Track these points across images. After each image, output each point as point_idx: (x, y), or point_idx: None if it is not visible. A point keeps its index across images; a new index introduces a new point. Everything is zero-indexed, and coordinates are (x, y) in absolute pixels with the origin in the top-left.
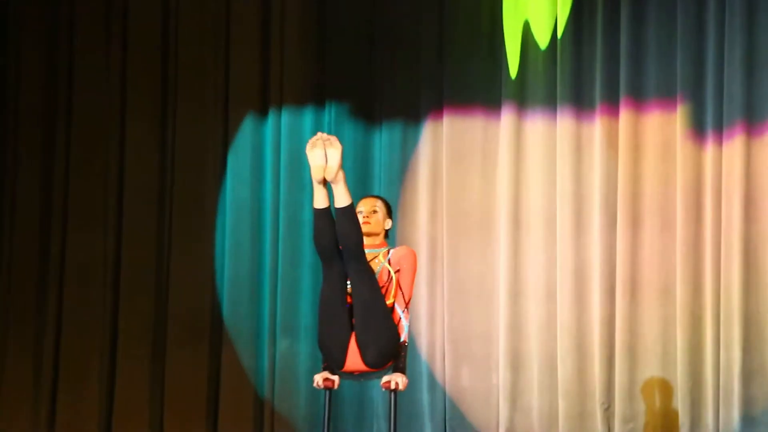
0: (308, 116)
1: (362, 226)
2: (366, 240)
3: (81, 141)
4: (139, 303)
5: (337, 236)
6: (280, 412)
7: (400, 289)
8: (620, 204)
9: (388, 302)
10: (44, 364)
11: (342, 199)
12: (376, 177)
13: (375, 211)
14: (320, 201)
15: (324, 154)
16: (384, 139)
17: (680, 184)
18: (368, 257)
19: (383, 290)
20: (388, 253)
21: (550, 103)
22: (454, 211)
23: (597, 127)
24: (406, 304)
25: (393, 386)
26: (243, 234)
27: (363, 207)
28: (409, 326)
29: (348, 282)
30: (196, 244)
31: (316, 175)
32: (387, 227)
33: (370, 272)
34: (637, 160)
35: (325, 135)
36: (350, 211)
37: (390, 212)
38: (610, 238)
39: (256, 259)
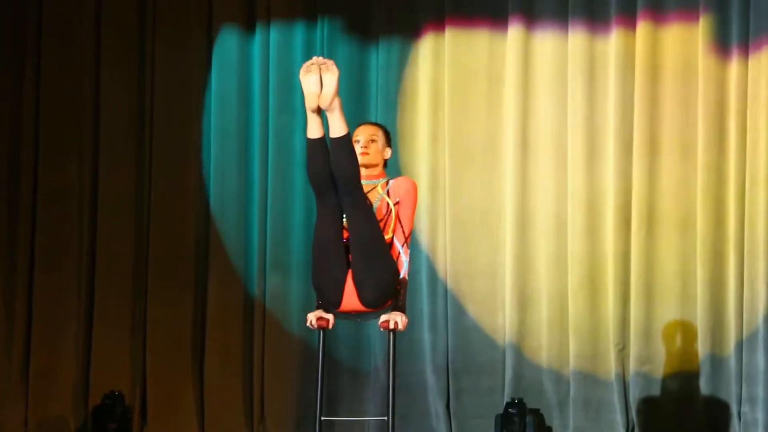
0: (299, 32)
1: (360, 156)
2: (363, 171)
3: (55, 67)
4: (119, 232)
5: (332, 168)
6: (271, 351)
7: (400, 222)
8: (636, 128)
9: (387, 237)
10: (17, 302)
11: (338, 129)
12: (372, 100)
13: (373, 140)
14: (314, 130)
15: (319, 80)
16: (381, 57)
17: (701, 105)
18: (366, 189)
19: (381, 224)
20: (387, 184)
21: (560, 16)
22: (457, 137)
23: (612, 43)
24: (406, 239)
25: (392, 326)
26: (229, 163)
27: (360, 136)
28: (409, 262)
29: (344, 216)
30: (180, 172)
31: (310, 102)
32: (386, 157)
33: (368, 205)
34: (654, 80)
35: (321, 59)
36: (346, 140)
37: (389, 141)
38: (625, 166)
39: (244, 190)
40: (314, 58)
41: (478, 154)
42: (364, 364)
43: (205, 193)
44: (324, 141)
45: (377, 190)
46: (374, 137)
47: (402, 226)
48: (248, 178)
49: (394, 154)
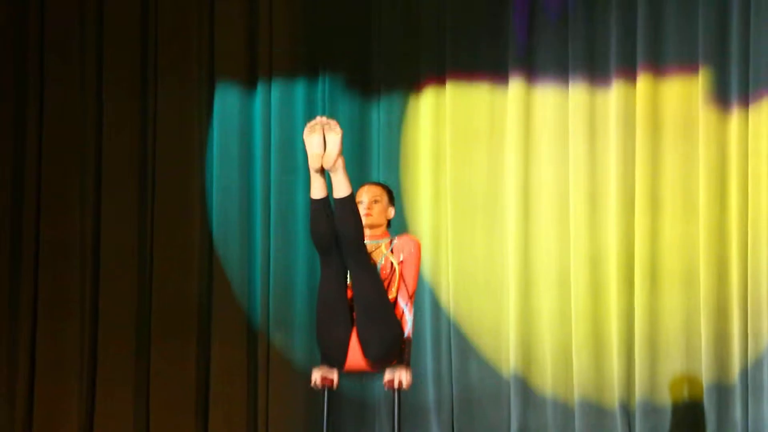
0: (300, 89)
1: (363, 218)
2: (367, 231)
3: (56, 124)
4: (121, 287)
5: (336, 228)
6: (276, 405)
7: (404, 281)
8: (638, 184)
9: (391, 296)
10: (20, 359)
11: (341, 189)
12: (375, 158)
13: (377, 201)
14: (317, 190)
15: (323, 141)
16: (382, 114)
17: (703, 162)
18: (370, 249)
19: (386, 283)
20: (391, 243)
21: (561, 70)
22: (459, 194)
23: (612, 96)
24: (410, 297)
25: (396, 384)
26: (231, 220)
27: (364, 197)
28: (413, 320)
29: (348, 276)
30: (183, 227)
31: (313, 163)
32: (390, 217)
33: (372, 265)
34: (656, 137)
35: (324, 119)
36: (350, 201)
37: (392, 200)
38: (627, 222)
39: (246, 249)
40: (318, 118)
41: (480, 210)
42: (369, 423)
43: (208, 250)
44: (328, 201)
45: (381, 250)
46: (377, 198)
47: (406, 285)
48: (251, 236)
49: (398, 211)
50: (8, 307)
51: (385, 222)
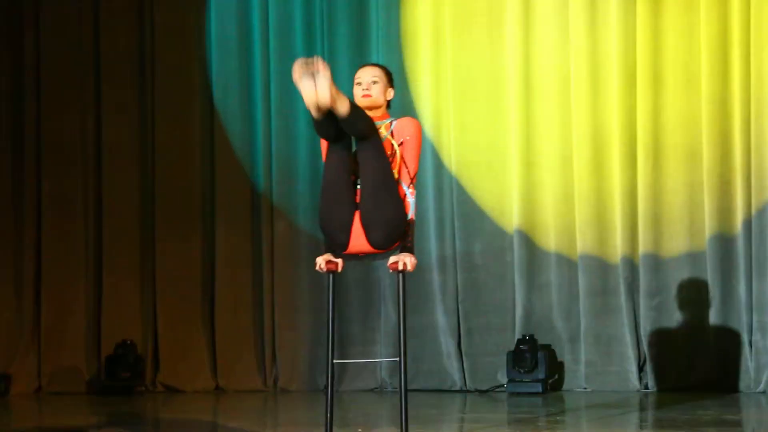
0: None
1: (362, 99)
2: (367, 113)
3: (55, 19)
4: (124, 178)
5: (346, 130)
6: (281, 294)
7: (405, 163)
8: (640, 59)
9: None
10: (26, 254)
11: (342, 109)
12: (374, 41)
13: (375, 82)
14: (319, 115)
15: (314, 83)
16: None
17: (704, 34)
18: None
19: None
20: (391, 125)
21: None
22: (460, 76)
23: None
24: (412, 180)
25: (401, 267)
26: (232, 108)
27: (361, 77)
28: (416, 202)
29: (353, 157)
30: (184, 118)
31: (311, 108)
32: (389, 98)
33: (381, 144)
34: (657, 8)
35: (309, 60)
36: (354, 112)
37: (391, 81)
38: (629, 99)
39: (248, 136)
40: (301, 61)
41: (481, 92)
42: (374, 306)
43: (210, 139)
44: (329, 113)
45: (381, 132)
46: (376, 79)
47: (407, 167)
48: (252, 123)
49: (399, 95)
50: (12, 206)
51: (384, 103)
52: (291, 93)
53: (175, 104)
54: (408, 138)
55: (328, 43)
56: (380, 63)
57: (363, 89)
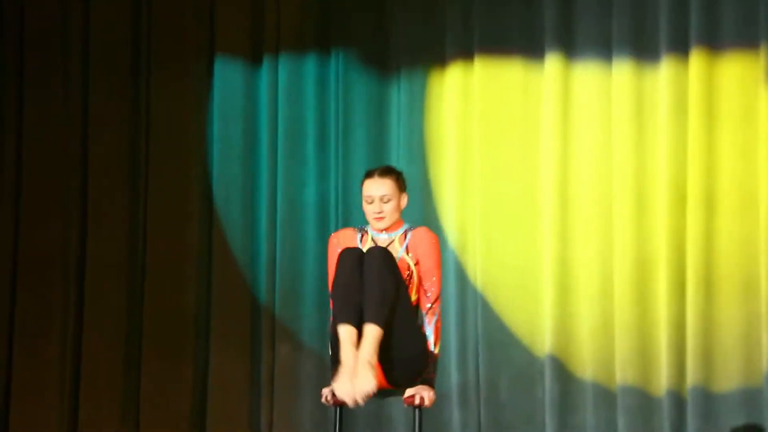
0: (310, 66)
1: (375, 222)
2: (380, 226)
3: (40, 112)
4: (109, 298)
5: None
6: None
7: (423, 287)
8: (691, 178)
9: (413, 295)
10: None
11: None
12: (394, 143)
13: (388, 200)
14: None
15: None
16: (402, 95)
17: (763, 152)
18: (383, 243)
19: (405, 279)
20: (405, 237)
21: (604, 47)
22: (489, 187)
23: (662, 77)
24: (432, 304)
25: (418, 402)
26: (234, 216)
27: (372, 194)
28: (438, 331)
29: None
30: (179, 229)
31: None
32: (402, 207)
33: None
34: (711, 124)
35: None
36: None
37: (404, 186)
38: (678, 221)
39: (250, 250)
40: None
41: (512, 206)
42: (389, 413)
43: (207, 248)
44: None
45: (395, 246)
46: (388, 197)
47: (425, 292)
48: (255, 236)
49: (421, 205)
50: None
51: (398, 216)
52: (298, 202)
53: (170, 210)
54: (424, 258)
55: (342, 149)
56: (391, 168)
57: (375, 212)
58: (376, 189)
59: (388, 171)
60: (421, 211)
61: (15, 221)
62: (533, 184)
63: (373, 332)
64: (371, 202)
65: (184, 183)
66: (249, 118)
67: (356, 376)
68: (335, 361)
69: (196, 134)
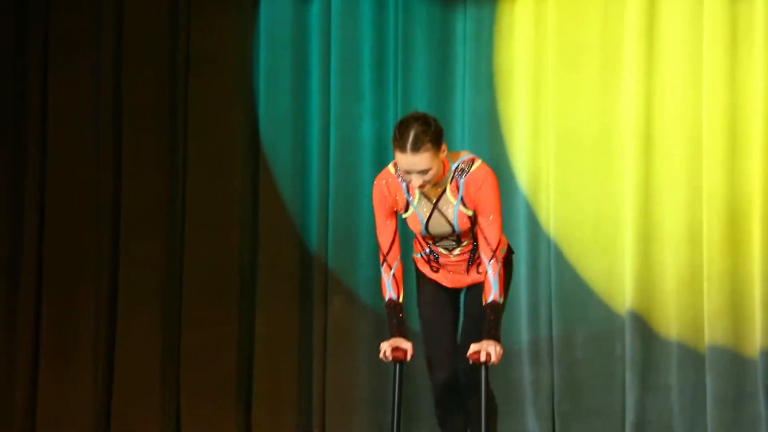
0: None
1: (418, 189)
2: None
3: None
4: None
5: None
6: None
7: (484, 235)
8: None
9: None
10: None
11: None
12: (459, 79)
13: (425, 171)
14: None
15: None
16: (469, 24)
17: None
18: (433, 194)
19: (463, 238)
20: (458, 186)
21: None
22: (564, 127)
23: (759, 5)
24: (494, 251)
25: (484, 358)
26: (283, 160)
27: (408, 167)
28: (509, 278)
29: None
30: (222, 172)
31: None
32: (443, 156)
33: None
34: None
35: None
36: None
37: (439, 139)
38: None
39: (300, 195)
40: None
41: (589, 145)
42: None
43: (252, 199)
44: None
45: (447, 198)
46: (424, 167)
47: (488, 240)
48: (306, 179)
49: (489, 143)
50: (4, 272)
51: (441, 168)
52: (353, 141)
53: (212, 151)
54: (483, 203)
55: (402, 82)
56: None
57: (416, 185)
58: (410, 163)
59: (420, 142)
60: (488, 148)
61: (42, 159)
62: (613, 123)
63: None
64: (408, 172)
65: (228, 122)
66: (299, 50)
67: None
68: (393, 314)
69: (241, 68)
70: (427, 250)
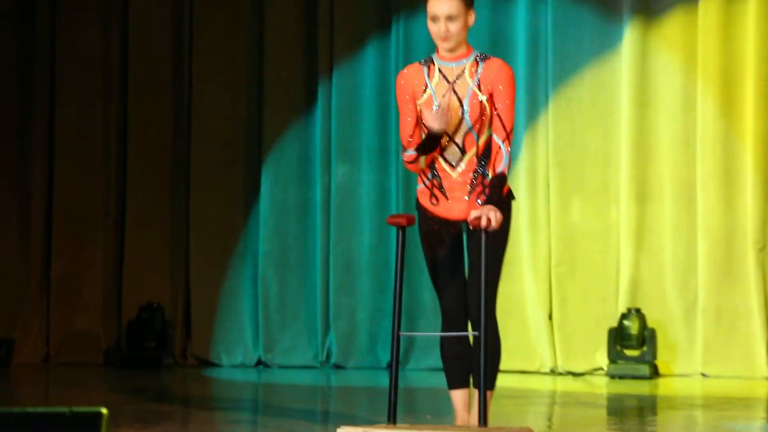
0: None
1: (441, 43)
2: (448, 54)
3: None
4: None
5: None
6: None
7: (500, 118)
8: None
9: (484, 136)
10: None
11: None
12: None
13: (453, 18)
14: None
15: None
16: None
17: None
18: (452, 74)
19: (477, 124)
20: (477, 68)
21: None
22: None
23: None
24: (508, 134)
25: (484, 223)
26: None
27: (436, 11)
28: (510, 158)
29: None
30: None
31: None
32: (470, 24)
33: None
34: None
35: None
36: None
37: (471, 2)
38: None
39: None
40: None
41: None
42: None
43: (258, 56)
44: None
45: (465, 79)
46: (452, 13)
47: (503, 122)
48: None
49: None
50: (17, 134)
51: (465, 37)
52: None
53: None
54: (500, 91)
55: None
56: None
57: (441, 33)
58: (441, 7)
59: None
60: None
61: (52, 33)
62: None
63: None
64: (436, 21)
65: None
66: None
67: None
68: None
69: None
70: (430, 175)
